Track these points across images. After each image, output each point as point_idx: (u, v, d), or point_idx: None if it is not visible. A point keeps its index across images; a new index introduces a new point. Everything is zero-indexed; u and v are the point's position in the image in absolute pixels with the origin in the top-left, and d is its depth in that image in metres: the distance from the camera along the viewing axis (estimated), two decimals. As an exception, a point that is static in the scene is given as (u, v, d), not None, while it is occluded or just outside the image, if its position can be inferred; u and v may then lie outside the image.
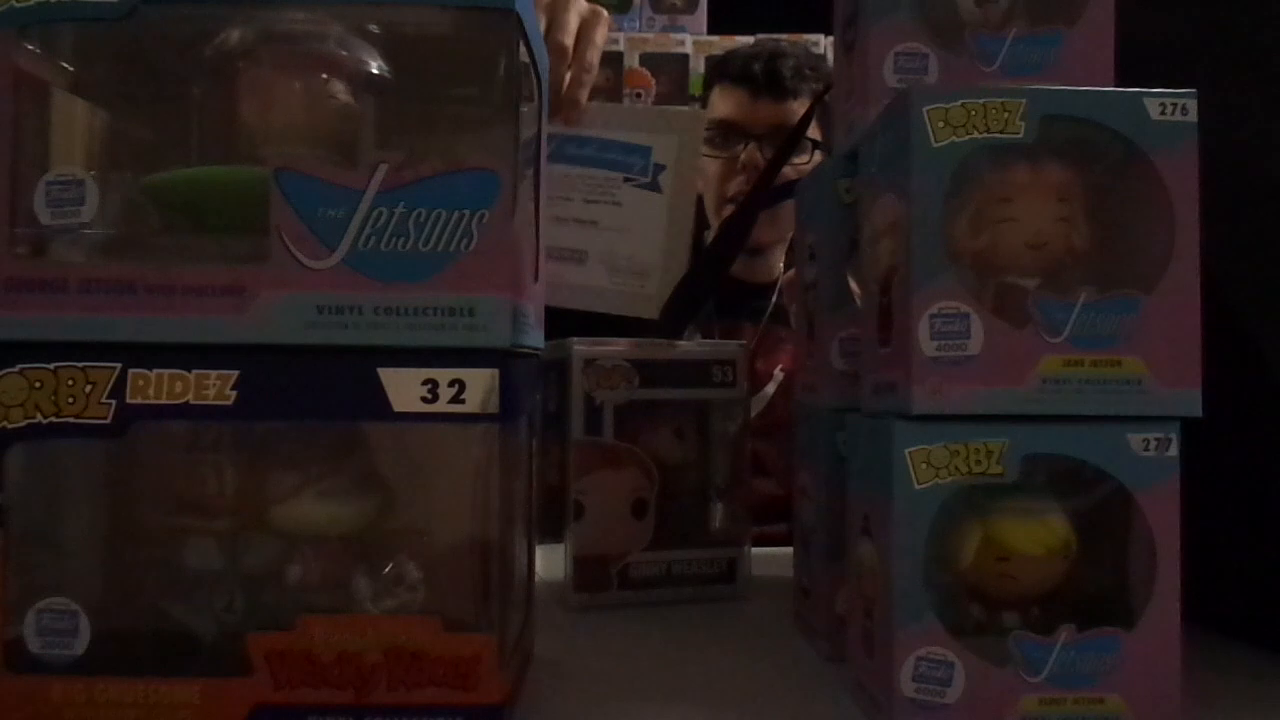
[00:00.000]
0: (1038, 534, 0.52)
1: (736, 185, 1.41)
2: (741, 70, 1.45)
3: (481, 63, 0.54)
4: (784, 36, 2.22)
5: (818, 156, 1.42)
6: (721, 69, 1.51)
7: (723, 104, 1.47)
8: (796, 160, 1.42)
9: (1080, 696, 0.49)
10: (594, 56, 0.92)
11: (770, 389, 1.36)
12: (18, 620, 0.48)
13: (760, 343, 1.39)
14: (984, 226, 0.53)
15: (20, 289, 0.48)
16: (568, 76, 0.90)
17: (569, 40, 0.90)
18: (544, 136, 0.65)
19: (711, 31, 2.31)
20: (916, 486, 0.49)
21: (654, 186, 0.89)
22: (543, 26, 0.89)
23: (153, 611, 0.54)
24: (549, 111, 0.86)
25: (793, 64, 1.44)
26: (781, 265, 1.52)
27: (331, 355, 0.48)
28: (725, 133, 1.45)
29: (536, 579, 0.65)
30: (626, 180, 0.89)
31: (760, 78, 1.44)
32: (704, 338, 1.38)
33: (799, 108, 1.43)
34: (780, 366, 1.38)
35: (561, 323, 0.77)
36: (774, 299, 1.47)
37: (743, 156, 1.42)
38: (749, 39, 1.79)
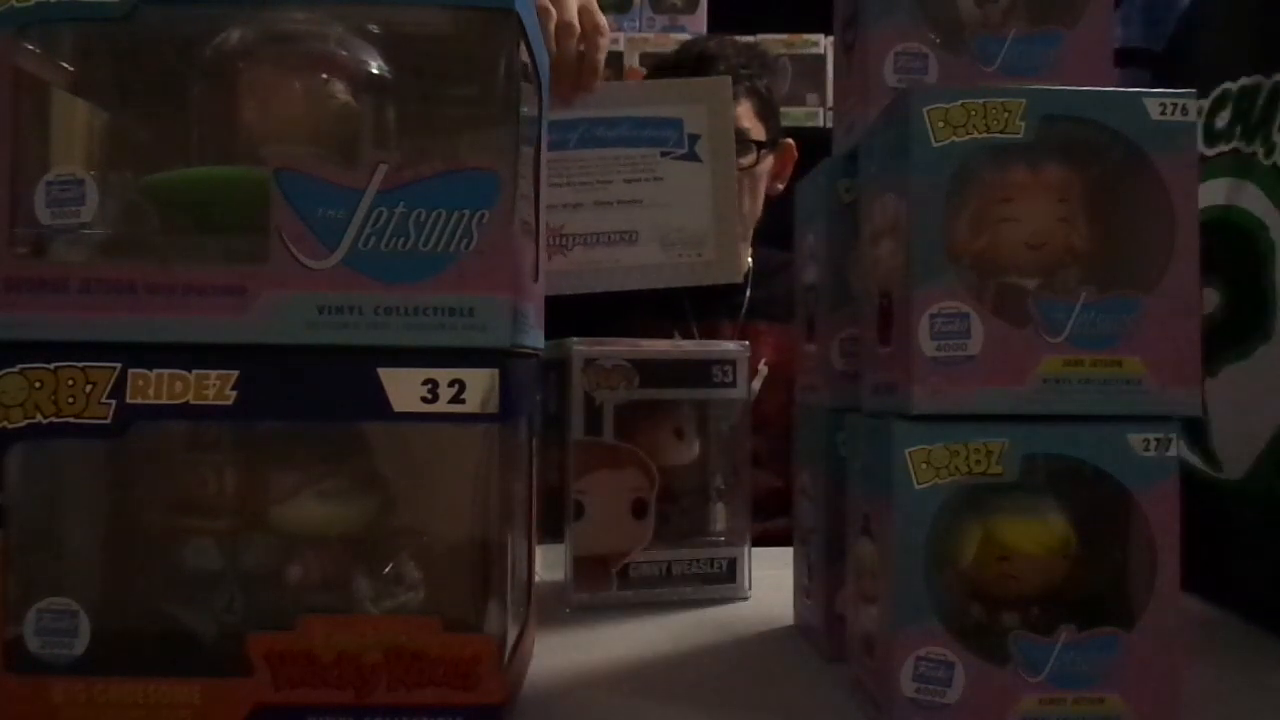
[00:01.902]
0: (1038, 534, 0.52)
1: None
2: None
3: (481, 63, 0.54)
4: (781, 36, 2.22)
5: (766, 158, 1.41)
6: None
7: None
8: (741, 161, 1.41)
9: (1080, 696, 0.49)
10: (602, 20, 0.92)
11: (756, 384, 1.36)
12: (18, 620, 0.48)
13: (740, 338, 1.39)
14: (984, 226, 0.53)
15: (20, 289, 0.48)
16: (580, 46, 0.90)
17: (572, 16, 0.90)
18: (544, 136, 0.65)
19: (712, 31, 2.31)
20: (916, 486, 0.49)
21: (693, 156, 0.89)
22: (551, 24, 0.88)
23: (153, 611, 0.54)
24: (569, 88, 0.86)
25: (724, 67, 1.42)
26: (750, 260, 1.51)
27: (331, 355, 0.48)
28: None
29: (536, 579, 0.65)
30: (664, 154, 0.89)
31: None
32: (683, 339, 1.37)
33: (739, 110, 1.42)
34: (763, 360, 1.38)
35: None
36: (748, 293, 1.47)
37: None
38: (751, 38, 1.79)
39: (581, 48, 0.92)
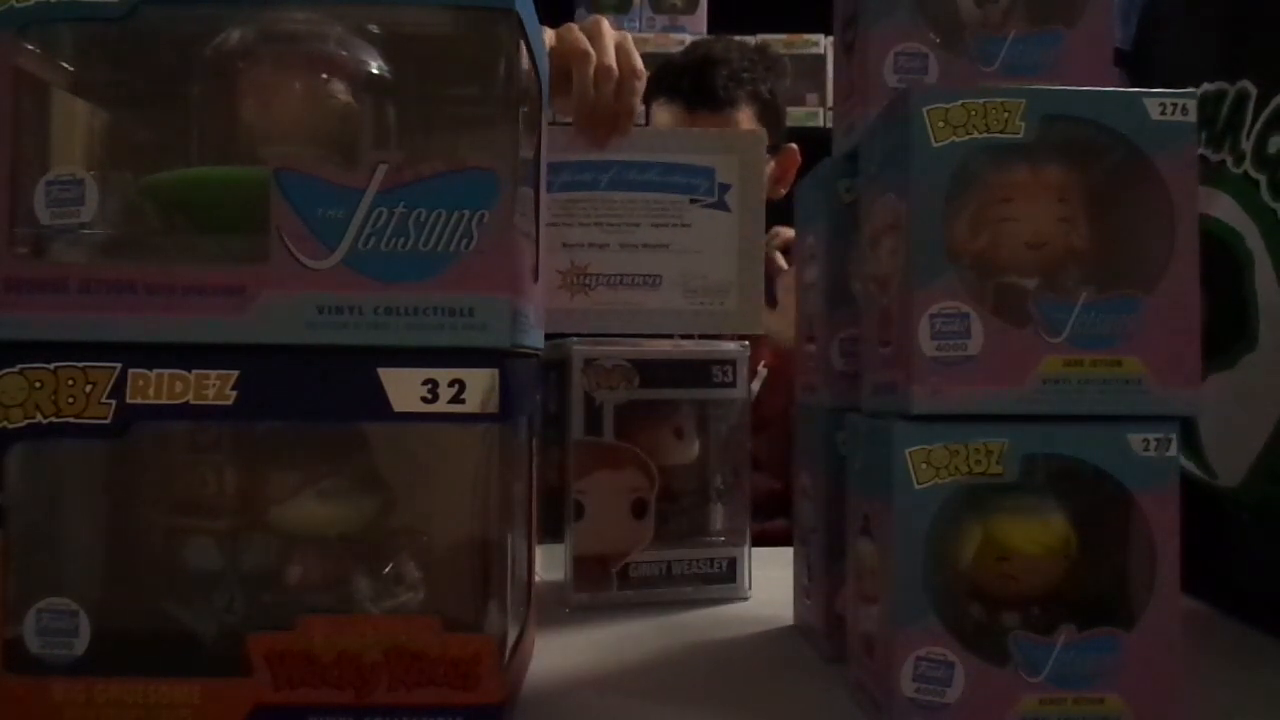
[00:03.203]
0: (1038, 534, 0.52)
1: None
2: (674, 84, 1.42)
3: (481, 63, 0.54)
4: (781, 36, 2.22)
5: (766, 163, 1.40)
6: (656, 83, 1.49)
7: (660, 120, 1.45)
8: None
9: (1080, 697, 0.49)
10: (639, 63, 0.92)
11: (755, 386, 1.36)
12: (18, 620, 0.48)
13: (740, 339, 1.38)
14: (984, 226, 0.53)
15: (20, 289, 0.48)
16: (617, 89, 0.90)
17: (611, 60, 0.90)
18: (544, 137, 0.65)
19: (712, 31, 2.31)
20: (916, 486, 0.49)
21: (722, 206, 0.90)
22: (591, 67, 0.88)
23: (153, 611, 0.54)
24: (604, 131, 0.86)
25: (726, 72, 1.41)
26: None
27: (331, 355, 0.48)
28: None
29: (536, 579, 0.65)
30: (693, 202, 0.89)
31: (692, 92, 1.41)
32: (683, 339, 1.37)
33: (739, 115, 1.39)
34: (763, 362, 1.37)
35: None
36: None
37: None
38: (750, 38, 1.79)
39: (618, 88, 0.91)
